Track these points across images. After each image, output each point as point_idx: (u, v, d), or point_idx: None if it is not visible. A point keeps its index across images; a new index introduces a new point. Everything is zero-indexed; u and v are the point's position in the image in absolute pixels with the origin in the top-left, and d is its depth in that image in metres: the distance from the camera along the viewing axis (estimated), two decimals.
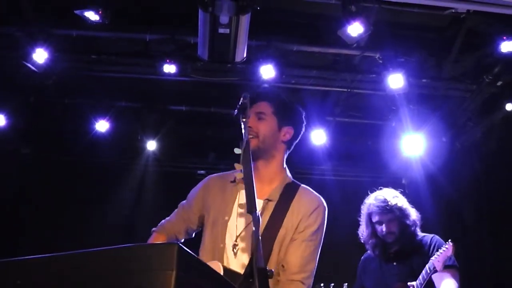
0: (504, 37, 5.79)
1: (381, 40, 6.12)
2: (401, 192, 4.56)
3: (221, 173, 3.20)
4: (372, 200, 4.44)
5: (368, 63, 6.70)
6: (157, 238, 3.08)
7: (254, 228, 2.24)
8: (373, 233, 4.40)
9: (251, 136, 2.70)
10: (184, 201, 3.17)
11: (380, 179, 8.09)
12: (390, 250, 4.38)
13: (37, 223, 7.69)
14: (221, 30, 5.23)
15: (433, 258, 4.16)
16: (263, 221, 2.78)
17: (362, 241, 4.53)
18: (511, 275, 6.81)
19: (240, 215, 2.88)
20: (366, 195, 4.59)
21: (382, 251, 4.39)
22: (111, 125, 7.40)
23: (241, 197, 2.90)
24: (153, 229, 3.13)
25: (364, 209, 4.50)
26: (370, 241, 4.43)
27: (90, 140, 7.50)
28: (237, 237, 2.83)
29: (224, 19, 5.11)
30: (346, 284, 4.64)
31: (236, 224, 2.86)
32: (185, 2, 5.62)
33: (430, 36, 6.47)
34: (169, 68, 6.25)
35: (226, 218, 2.89)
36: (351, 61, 6.72)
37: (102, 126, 7.35)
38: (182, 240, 3.12)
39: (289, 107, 3.07)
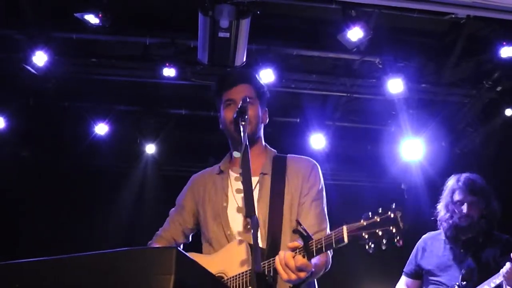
0: (504, 43, 5.80)
1: (381, 45, 6.12)
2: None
3: (202, 170, 3.25)
4: (460, 177, 4.27)
5: (367, 68, 6.70)
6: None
7: (252, 232, 2.24)
8: (450, 212, 4.16)
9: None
10: (173, 208, 3.21)
11: (380, 184, 8.13)
12: (461, 236, 4.13)
13: (36, 226, 7.67)
14: (221, 34, 5.23)
15: None
16: (265, 194, 2.84)
17: (437, 219, 4.26)
18: None
19: (239, 199, 2.90)
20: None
21: (454, 235, 4.14)
22: (111, 128, 7.40)
23: (234, 182, 2.97)
24: (150, 241, 3.16)
25: (448, 185, 4.30)
26: (446, 219, 4.17)
27: (90, 143, 7.50)
28: (245, 218, 2.82)
29: (224, 23, 5.12)
30: None
31: (238, 207, 2.89)
32: (185, 6, 5.62)
33: (430, 41, 6.47)
34: (169, 72, 6.25)
35: (225, 204, 2.93)
36: (350, 65, 6.72)
37: (101, 129, 7.34)
38: (182, 244, 3.16)
39: (265, 91, 3.14)
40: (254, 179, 2.50)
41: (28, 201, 7.76)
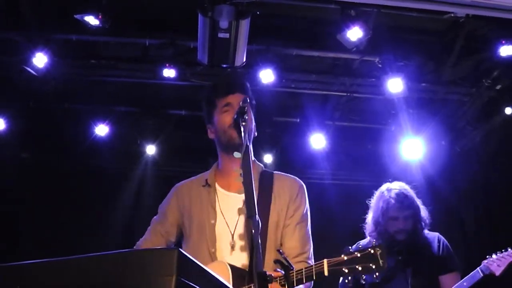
0: (503, 41, 5.80)
1: (380, 44, 6.12)
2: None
3: (187, 180, 3.20)
4: (390, 193, 4.30)
5: (367, 67, 6.71)
6: None
7: (253, 232, 2.24)
8: (383, 227, 4.22)
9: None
10: (156, 217, 3.15)
11: (380, 183, 8.10)
12: (395, 247, 4.21)
13: (36, 227, 7.68)
14: (220, 35, 5.23)
15: (489, 261, 4.11)
16: None
17: (367, 233, 4.34)
18: (511, 278, 6.78)
19: (227, 216, 2.90)
20: (365, 199, 4.53)
21: (389, 248, 4.12)
22: (111, 129, 7.39)
23: (221, 198, 2.96)
24: None
25: (379, 201, 4.34)
26: (377, 234, 4.25)
27: (90, 145, 7.50)
28: (232, 235, 2.84)
29: (223, 23, 5.12)
30: None
31: (228, 225, 2.87)
32: (184, 6, 5.62)
33: (429, 40, 6.47)
34: (169, 73, 6.25)
35: (212, 221, 2.90)
36: (350, 65, 6.72)
37: (101, 130, 7.34)
38: None
39: (255, 104, 3.09)
40: (241, 197, 2.48)
41: (28, 202, 7.76)
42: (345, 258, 2.39)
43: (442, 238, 4.37)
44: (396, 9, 5.45)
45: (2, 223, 7.36)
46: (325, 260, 2.42)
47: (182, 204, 3.04)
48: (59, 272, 1.59)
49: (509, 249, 4.16)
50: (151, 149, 7.90)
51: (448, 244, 4.36)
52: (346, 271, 2.36)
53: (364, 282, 2.42)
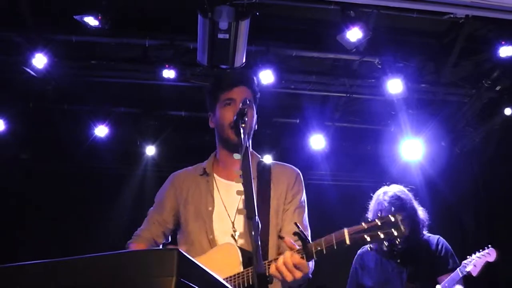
0: (503, 42, 5.81)
1: (380, 45, 6.13)
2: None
3: (183, 169, 3.21)
4: (385, 196, 4.33)
5: (367, 68, 6.71)
6: (136, 248, 3.03)
7: (253, 234, 2.24)
8: None
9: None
10: (152, 207, 3.16)
11: (380, 184, 8.10)
12: (395, 248, 4.21)
13: (36, 228, 7.68)
14: (220, 36, 5.23)
15: (467, 261, 4.14)
16: None
17: None
18: (510, 278, 6.80)
19: (227, 203, 2.90)
20: (365, 200, 4.54)
21: (387, 249, 4.17)
22: (110, 130, 7.39)
23: (220, 186, 2.96)
24: (129, 241, 3.10)
25: (374, 205, 4.37)
26: None
27: (89, 145, 7.50)
28: (233, 223, 2.84)
29: (223, 24, 5.12)
30: None
31: (228, 212, 2.88)
32: (184, 7, 5.63)
33: (429, 41, 6.48)
34: (168, 74, 6.26)
35: (210, 208, 2.91)
36: (350, 66, 6.73)
37: (101, 131, 7.34)
38: (161, 244, 3.12)
39: (258, 97, 3.08)
40: (240, 185, 2.48)
41: (28, 203, 7.77)
42: (366, 226, 2.38)
43: (442, 240, 4.39)
44: (396, 10, 5.45)
45: (2, 223, 7.35)
46: (345, 229, 2.41)
47: (179, 192, 3.06)
48: (58, 272, 1.58)
49: (486, 249, 4.18)
50: (150, 150, 7.91)
51: (447, 245, 4.37)
52: (368, 238, 2.35)
53: (386, 249, 2.36)
